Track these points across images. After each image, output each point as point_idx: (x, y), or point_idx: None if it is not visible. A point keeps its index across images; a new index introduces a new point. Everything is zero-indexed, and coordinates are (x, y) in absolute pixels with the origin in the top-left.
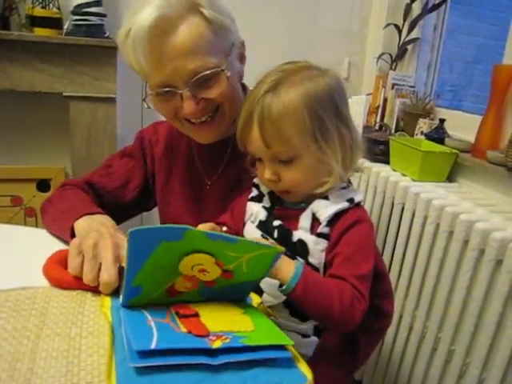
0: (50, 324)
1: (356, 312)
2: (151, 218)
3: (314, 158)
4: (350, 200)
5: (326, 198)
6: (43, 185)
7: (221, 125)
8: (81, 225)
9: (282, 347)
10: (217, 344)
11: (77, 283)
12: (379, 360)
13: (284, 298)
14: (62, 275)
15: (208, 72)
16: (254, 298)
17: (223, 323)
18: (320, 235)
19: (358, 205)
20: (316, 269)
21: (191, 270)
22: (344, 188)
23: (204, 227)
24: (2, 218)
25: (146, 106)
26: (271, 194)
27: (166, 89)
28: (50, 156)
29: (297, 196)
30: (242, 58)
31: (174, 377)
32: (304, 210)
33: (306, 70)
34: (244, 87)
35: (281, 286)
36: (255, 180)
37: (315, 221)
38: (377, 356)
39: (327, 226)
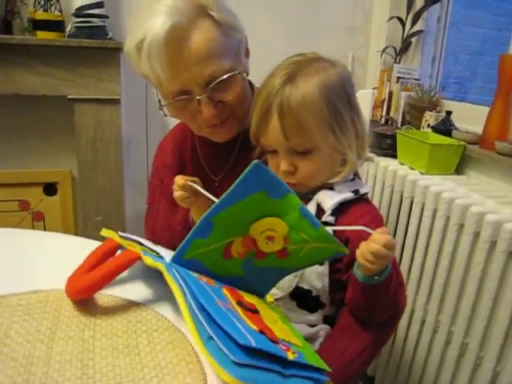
0: (63, 327)
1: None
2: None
3: (330, 147)
4: (356, 191)
5: (331, 188)
6: (50, 188)
7: (235, 124)
8: None
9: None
10: (291, 356)
11: (91, 288)
12: (392, 355)
13: (291, 289)
14: (75, 288)
15: (225, 77)
16: (268, 297)
17: (278, 330)
18: (325, 224)
19: (365, 198)
20: None
21: (260, 234)
22: (351, 180)
23: (184, 178)
24: (10, 223)
25: (163, 114)
26: None
27: (184, 96)
28: (55, 159)
29: (307, 187)
30: (247, 53)
31: (259, 375)
32: (309, 200)
33: (318, 62)
34: (250, 83)
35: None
36: None
37: (320, 211)
38: (389, 351)
39: (332, 215)
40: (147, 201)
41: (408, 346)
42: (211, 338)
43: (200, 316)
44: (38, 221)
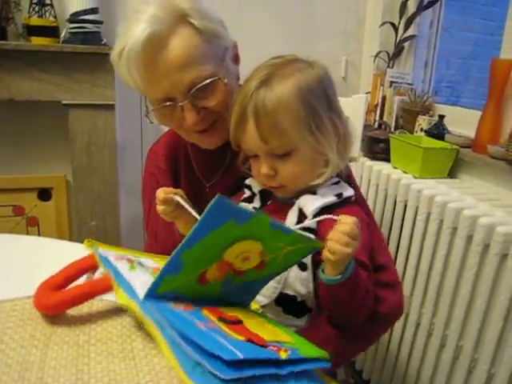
0: (58, 332)
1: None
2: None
3: (310, 149)
4: (339, 195)
5: (314, 193)
6: (44, 194)
7: (223, 130)
8: None
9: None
10: (284, 355)
11: (61, 306)
12: (387, 358)
13: (275, 296)
14: (45, 301)
15: (205, 82)
16: (253, 305)
17: (267, 333)
18: (306, 229)
19: (349, 201)
20: (303, 264)
21: (235, 258)
22: (335, 184)
23: (165, 191)
24: (4, 229)
25: (148, 122)
26: (262, 192)
27: (167, 103)
28: (50, 164)
29: (291, 191)
30: (236, 60)
31: None
32: (291, 206)
33: (295, 63)
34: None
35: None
36: (247, 181)
37: (302, 215)
38: (384, 354)
39: (314, 219)
40: (144, 205)
41: (403, 349)
42: (196, 365)
43: (183, 343)
44: (33, 226)
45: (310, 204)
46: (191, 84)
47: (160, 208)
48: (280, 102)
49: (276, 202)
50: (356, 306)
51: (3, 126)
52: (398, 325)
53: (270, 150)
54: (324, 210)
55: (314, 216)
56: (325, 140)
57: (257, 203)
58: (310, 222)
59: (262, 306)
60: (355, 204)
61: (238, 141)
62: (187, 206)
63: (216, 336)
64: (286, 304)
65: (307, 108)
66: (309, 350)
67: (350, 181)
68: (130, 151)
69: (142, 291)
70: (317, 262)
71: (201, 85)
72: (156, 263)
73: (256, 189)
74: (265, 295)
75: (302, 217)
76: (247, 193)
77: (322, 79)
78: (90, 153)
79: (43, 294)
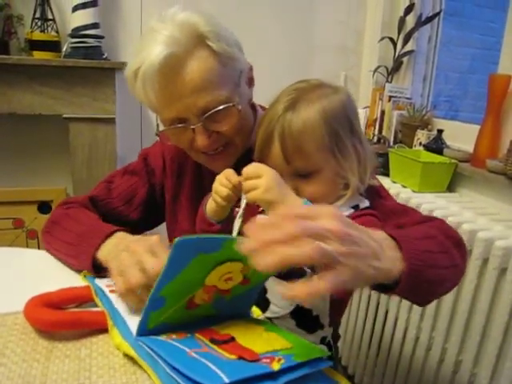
0: (60, 346)
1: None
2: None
3: (332, 171)
4: (355, 206)
5: None
6: (44, 207)
7: (234, 155)
8: (107, 248)
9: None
10: (276, 366)
11: (56, 325)
12: (386, 372)
13: (292, 308)
14: (41, 316)
15: (219, 108)
16: (255, 312)
17: (261, 344)
18: None
19: (365, 212)
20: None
21: (218, 280)
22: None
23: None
24: (4, 241)
25: (159, 140)
26: None
27: (179, 125)
28: (50, 178)
29: None
30: (250, 82)
31: None
32: None
33: (320, 88)
34: (254, 107)
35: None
36: None
37: None
38: (383, 368)
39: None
40: (111, 173)
41: (402, 363)
42: None
43: (174, 376)
44: (32, 239)
45: None
46: (205, 108)
47: (224, 192)
48: (305, 126)
49: None
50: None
51: (4, 139)
52: (397, 339)
53: (293, 170)
54: None
55: None
56: (346, 164)
57: None
58: None
59: (277, 318)
60: (372, 216)
61: (262, 161)
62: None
63: (206, 362)
64: (301, 317)
65: (331, 133)
66: (305, 353)
67: (380, 194)
68: None
69: (134, 327)
70: None
71: (214, 110)
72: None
73: None
74: (282, 306)
75: None
76: None
77: (345, 105)
78: (90, 166)
79: (38, 309)
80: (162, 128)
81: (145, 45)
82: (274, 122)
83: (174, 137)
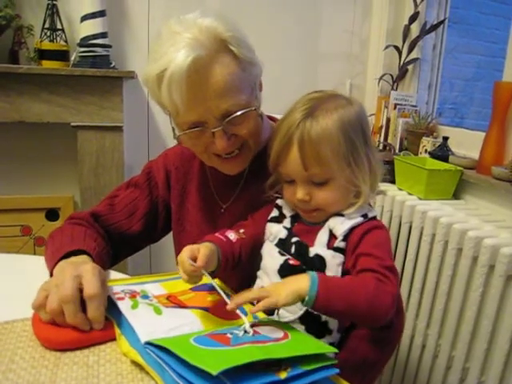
0: (68, 352)
1: (383, 295)
2: (159, 249)
3: (345, 179)
4: (364, 215)
5: (341, 215)
6: (52, 214)
7: (247, 158)
8: (55, 271)
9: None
10: (283, 374)
11: (64, 344)
12: (392, 380)
13: (301, 313)
14: (49, 335)
15: (240, 112)
16: (259, 314)
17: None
18: (336, 249)
19: (373, 221)
20: None
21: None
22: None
23: (186, 249)
24: (12, 248)
25: (177, 144)
26: (293, 216)
27: (198, 128)
28: (58, 185)
29: (323, 216)
30: (260, 86)
31: None
32: (321, 227)
33: (336, 99)
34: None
35: (303, 301)
36: (278, 202)
37: (332, 236)
38: (390, 376)
39: (343, 240)
40: (116, 187)
41: (409, 371)
42: None
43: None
44: (40, 246)
45: (340, 225)
46: (226, 111)
47: (184, 278)
48: (324, 133)
49: (303, 224)
50: (350, 305)
51: (13, 147)
52: (404, 347)
53: (308, 176)
54: (352, 229)
55: (344, 236)
56: (360, 173)
57: (287, 224)
58: (339, 243)
59: (286, 323)
60: (381, 229)
61: (278, 165)
62: (218, 289)
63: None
64: (310, 323)
65: (348, 142)
66: (314, 360)
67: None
68: (138, 172)
69: (142, 334)
70: (345, 273)
71: (236, 114)
72: (162, 288)
73: (288, 212)
74: (291, 311)
75: (332, 237)
76: (275, 212)
77: (360, 116)
78: (97, 174)
79: (46, 327)
80: (178, 132)
81: (166, 47)
82: (294, 128)
83: (191, 140)
